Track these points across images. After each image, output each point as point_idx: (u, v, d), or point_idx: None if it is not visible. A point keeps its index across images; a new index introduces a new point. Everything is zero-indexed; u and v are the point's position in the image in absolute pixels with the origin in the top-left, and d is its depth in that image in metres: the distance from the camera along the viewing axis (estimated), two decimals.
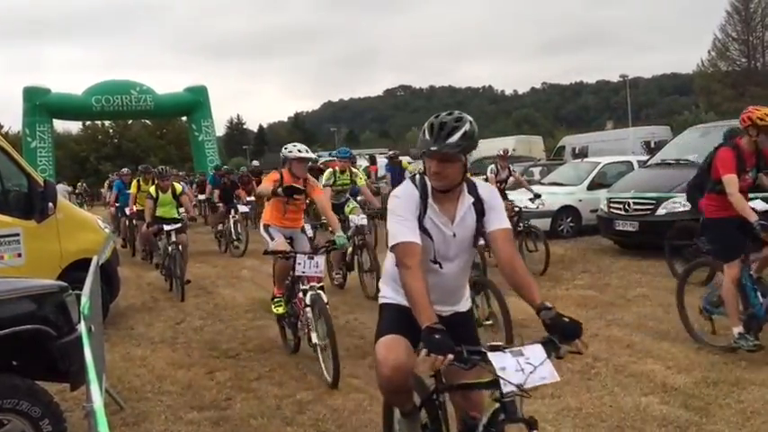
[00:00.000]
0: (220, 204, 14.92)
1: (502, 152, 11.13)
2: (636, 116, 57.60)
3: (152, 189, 10.50)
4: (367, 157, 25.26)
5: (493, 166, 10.96)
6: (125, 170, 17.15)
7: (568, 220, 13.71)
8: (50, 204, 7.01)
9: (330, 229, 6.68)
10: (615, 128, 38.88)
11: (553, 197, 12.95)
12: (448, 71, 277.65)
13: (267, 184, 6.50)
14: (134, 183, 13.32)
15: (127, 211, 14.38)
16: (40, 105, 30.97)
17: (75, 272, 6.68)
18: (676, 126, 32.87)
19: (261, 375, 5.74)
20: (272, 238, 6.49)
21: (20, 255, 6.71)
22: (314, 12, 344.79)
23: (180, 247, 9.72)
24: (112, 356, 6.34)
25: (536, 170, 19.53)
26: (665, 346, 5.81)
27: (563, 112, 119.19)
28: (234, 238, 14.20)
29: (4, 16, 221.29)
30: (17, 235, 6.72)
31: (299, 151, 6.40)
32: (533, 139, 36.06)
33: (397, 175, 13.03)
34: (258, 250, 8.33)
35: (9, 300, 3.72)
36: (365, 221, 9.11)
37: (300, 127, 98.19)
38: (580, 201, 13.76)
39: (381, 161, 20.94)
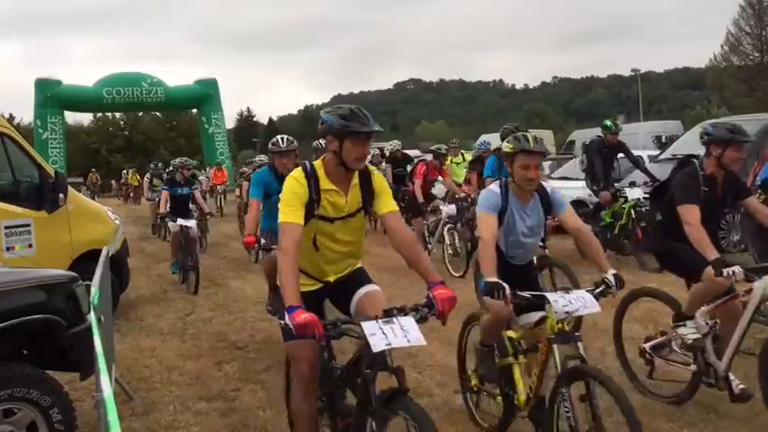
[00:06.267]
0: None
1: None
2: (647, 111, 57.33)
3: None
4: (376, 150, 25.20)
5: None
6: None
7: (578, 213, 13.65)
8: (61, 195, 7.06)
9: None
10: (626, 122, 38.66)
11: (563, 191, 12.87)
12: (459, 64, 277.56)
13: None
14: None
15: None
16: (51, 97, 31.16)
17: (85, 262, 6.72)
18: (688, 121, 32.68)
19: (269, 367, 5.76)
20: None
21: (31, 245, 6.76)
22: (331, 4, 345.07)
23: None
24: (122, 347, 6.38)
25: (546, 164, 19.43)
26: None
27: (574, 106, 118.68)
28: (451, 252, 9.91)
29: (22, 8, 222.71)
30: (28, 225, 6.77)
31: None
32: (543, 133, 35.81)
33: None
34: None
35: (20, 290, 3.76)
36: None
37: (310, 120, 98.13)
38: (590, 195, 13.69)
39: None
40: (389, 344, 2.82)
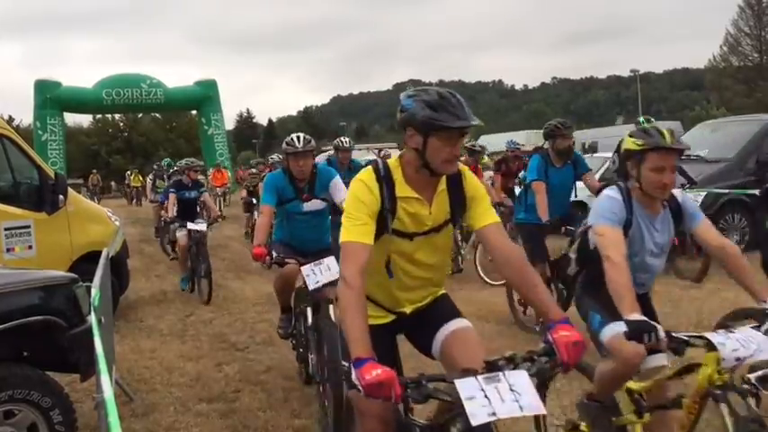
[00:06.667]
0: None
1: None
2: (646, 111, 57.31)
3: None
4: (375, 151, 25.23)
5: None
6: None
7: (578, 215, 13.57)
8: (61, 197, 7.06)
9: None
10: (626, 123, 38.71)
11: None
12: (458, 65, 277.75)
13: None
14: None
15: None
16: (51, 98, 31.12)
17: (85, 264, 6.73)
18: (687, 122, 32.70)
19: (269, 368, 5.77)
20: None
21: (31, 246, 6.76)
22: (330, 5, 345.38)
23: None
24: (122, 348, 6.38)
25: None
26: None
27: (573, 106, 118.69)
28: None
29: (22, 9, 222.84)
30: (28, 227, 6.77)
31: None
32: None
33: None
34: None
35: (20, 291, 3.76)
36: None
37: (310, 121, 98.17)
38: (589, 195, 13.66)
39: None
40: (494, 413, 2.02)
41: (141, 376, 5.67)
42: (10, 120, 54.66)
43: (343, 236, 2.48)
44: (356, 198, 2.53)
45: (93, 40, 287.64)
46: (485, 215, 2.65)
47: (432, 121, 2.40)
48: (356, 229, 2.47)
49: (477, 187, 2.71)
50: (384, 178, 2.57)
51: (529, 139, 30.62)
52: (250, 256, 11.73)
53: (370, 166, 2.64)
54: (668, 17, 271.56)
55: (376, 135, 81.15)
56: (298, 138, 5.10)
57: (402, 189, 2.58)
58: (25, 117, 66.60)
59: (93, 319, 3.66)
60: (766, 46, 48.61)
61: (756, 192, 9.12)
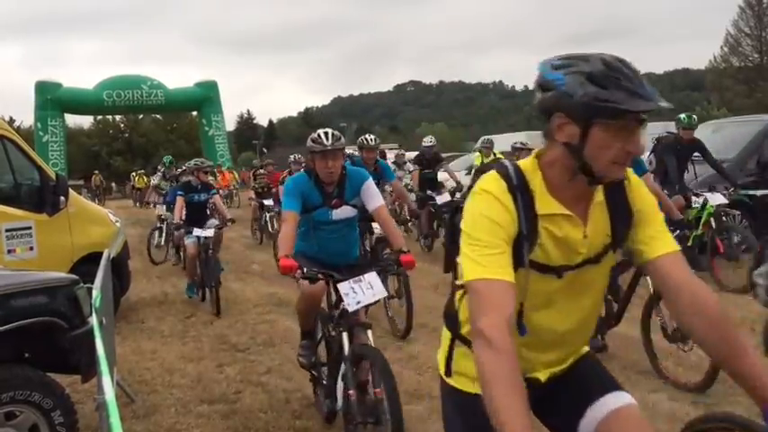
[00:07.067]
0: None
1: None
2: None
3: None
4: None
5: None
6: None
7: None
8: (62, 198, 7.07)
9: None
10: None
11: None
12: (459, 66, 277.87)
13: None
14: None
15: None
16: (51, 100, 31.24)
17: (86, 265, 6.73)
18: None
19: (270, 369, 5.77)
20: None
21: (32, 248, 6.76)
22: (330, 6, 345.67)
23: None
24: (123, 350, 6.38)
25: None
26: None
27: None
28: None
29: (23, 10, 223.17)
30: (29, 228, 6.77)
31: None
32: None
33: None
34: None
35: (21, 292, 3.76)
36: None
37: (311, 122, 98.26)
38: None
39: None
40: None
41: (142, 377, 5.67)
42: (11, 121, 54.72)
43: (472, 272, 1.70)
44: (485, 217, 1.74)
45: (94, 42, 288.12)
46: (659, 240, 1.84)
47: (599, 103, 1.63)
48: (492, 261, 1.68)
49: (647, 199, 1.90)
50: (518, 188, 1.78)
51: (529, 139, 30.64)
52: (251, 258, 11.83)
53: (494, 171, 1.84)
54: (668, 17, 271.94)
55: (377, 136, 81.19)
56: (325, 134, 4.31)
57: (544, 203, 1.79)
58: (26, 118, 66.78)
59: (94, 320, 3.66)
60: (767, 46, 48.63)
61: (757, 192, 9.14)
